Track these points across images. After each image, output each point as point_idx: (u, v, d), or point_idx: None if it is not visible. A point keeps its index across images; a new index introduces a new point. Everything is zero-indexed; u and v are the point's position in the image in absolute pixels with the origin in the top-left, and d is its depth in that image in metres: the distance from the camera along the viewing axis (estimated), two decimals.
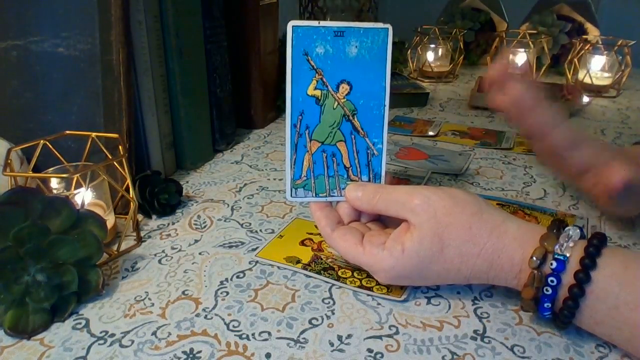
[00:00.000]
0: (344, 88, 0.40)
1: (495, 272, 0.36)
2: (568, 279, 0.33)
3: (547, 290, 0.34)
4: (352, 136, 0.41)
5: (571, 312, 0.33)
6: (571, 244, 0.34)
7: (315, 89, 0.40)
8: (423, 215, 0.37)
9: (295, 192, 0.42)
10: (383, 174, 0.43)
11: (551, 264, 0.33)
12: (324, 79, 0.40)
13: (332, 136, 0.41)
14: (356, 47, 0.39)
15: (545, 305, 0.34)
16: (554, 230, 0.35)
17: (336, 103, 0.40)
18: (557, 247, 0.34)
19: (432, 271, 0.37)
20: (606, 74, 0.98)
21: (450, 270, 0.37)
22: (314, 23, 0.39)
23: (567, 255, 0.33)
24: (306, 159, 0.41)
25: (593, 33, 1.09)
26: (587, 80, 0.97)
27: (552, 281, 0.33)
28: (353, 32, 0.39)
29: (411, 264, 0.37)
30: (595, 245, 0.33)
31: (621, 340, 0.33)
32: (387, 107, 0.41)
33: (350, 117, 0.41)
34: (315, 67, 0.39)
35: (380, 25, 0.39)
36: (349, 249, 0.39)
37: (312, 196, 0.42)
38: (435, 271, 0.37)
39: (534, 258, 0.34)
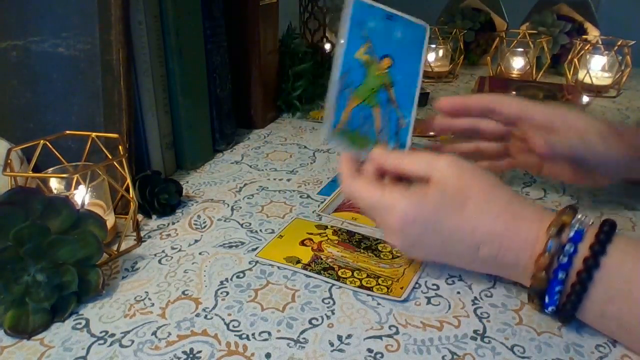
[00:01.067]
0: (387, 61, 0.44)
1: (510, 238, 0.36)
2: (583, 251, 0.33)
3: (562, 259, 0.34)
4: (387, 105, 0.44)
5: (584, 287, 0.33)
6: (589, 221, 0.35)
7: (365, 54, 0.43)
8: (448, 172, 0.37)
9: (333, 137, 0.43)
10: (409, 144, 0.45)
11: (569, 234, 0.34)
12: (373, 48, 0.43)
13: (371, 98, 0.44)
14: (400, 32, 0.44)
15: (559, 276, 0.34)
16: (570, 210, 0.36)
17: (379, 71, 0.44)
18: (574, 220, 0.35)
19: (447, 227, 0.37)
20: (606, 74, 0.98)
21: (466, 228, 0.36)
22: (371, 2, 0.43)
23: (584, 228, 0.34)
24: (345, 111, 0.43)
25: (593, 33, 1.09)
26: (587, 80, 0.97)
27: (570, 248, 0.34)
28: (399, 20, 0.44)
29: (429, 211, 0.37)
30: (611, 224, 0.34)
31: (630, 318, 0.33)
32: (418, 89, 0.45)
33: (388, 88, 0.44)
34: (367, 35, 0.43)
35: (420, 22, 0.45)
36: (367, 190, 0.39)
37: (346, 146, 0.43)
38: (451, 227, 0.37)
39: (553, 227, 0.34)
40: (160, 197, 0.51)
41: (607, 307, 0.33)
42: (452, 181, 0.37)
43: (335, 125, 0.43)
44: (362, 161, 0.43)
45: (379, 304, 0.39)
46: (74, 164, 0.47)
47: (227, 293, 0.40)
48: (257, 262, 0.44)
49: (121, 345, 0.35)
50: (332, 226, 0.50)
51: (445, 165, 0.38)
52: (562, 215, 0.35)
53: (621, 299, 0.33)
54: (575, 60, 0.99)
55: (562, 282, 0.34)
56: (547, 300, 0.35)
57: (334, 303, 0.39)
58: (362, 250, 0.46)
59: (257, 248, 0.46)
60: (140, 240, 0.47)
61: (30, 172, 0.45)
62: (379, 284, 0.41)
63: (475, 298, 0.40)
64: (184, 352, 0.34)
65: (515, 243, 0.36)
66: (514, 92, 0.90)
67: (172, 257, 0.45)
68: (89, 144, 0.48)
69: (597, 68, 0.98)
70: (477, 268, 0.40)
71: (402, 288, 0.41)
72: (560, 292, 0.35)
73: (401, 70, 0.44)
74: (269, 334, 0.36)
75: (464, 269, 0.41)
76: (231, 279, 0.42)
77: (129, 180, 0.45)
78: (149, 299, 0.40)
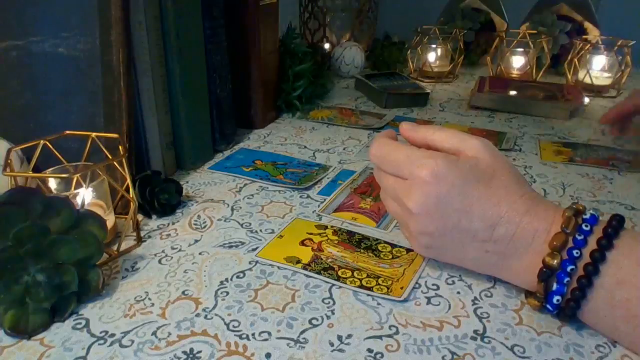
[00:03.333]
0: (259, 162, 0.65)
1: (530, 217, 0.36)
2: (598, 233, 0.35)
3: (578, 236, 0.35)
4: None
5: (596, 268, 0.33)
6: (601, 212, 0.37)
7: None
8: (481, 149, 0.39)
9: None
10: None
11: (585, 217, 0.36)
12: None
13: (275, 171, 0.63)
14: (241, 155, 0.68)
15: (575, 252, 0.34)
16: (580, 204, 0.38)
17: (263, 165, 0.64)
18: (588, 209, 0.36)
19: (473, 194, 0.37)
20: (606, 74, 0.98)
21: (491, 199, 0.37)
22: None
23: (598, 214, 0.36)
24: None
25: (593, 33, 1.09)
26: (587, 80, 0.97)
27: (586, 226, 0.35)
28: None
29: (460, 174, 0.37)
30: (621, 217, 0.35)
31: (638, 303, 0.33)
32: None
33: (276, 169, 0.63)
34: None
35: None
36: (400, 146, 0.40)
37: None
38: (477, 195, 0.37)
39: (569, 210, 0.36)
40: (160, 197, 0.51)
41: (616, 292, 0.33)
42: (483, 157, 0.38)
43: None
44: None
45: (379, 304, 0.39)
46: (74, 164, 0.47)
47: (227, 293, 0.40)
48: (257, 262, 0.44)
49: (121, 345, 0.35)
50: (332, 226, 0.50)
51: (479, 143, 0.39)
52: (576, 204, 0.37)
53: (631, 282, 0.33)
54: (575, 60, 0.99)
55: (575, 262, 0.34)
56: (555, 287, 0.35)
57: (334, 303, 0.39)
58: (362, 250, 0.46)
59: (257, 248, 0.46)
60: (140, 240, 0.47)
61: (30, 172, 0.45)
62: (379, 284, 0.41)
63: (475, 298, 0.40)
64: (184, 352, 0.34)
65: (534, 224, 0.36)
66: (513, 92, 0.90)
67: (172, 257, 0.45)
68: (89, 144, 0.48)
69: (597, 68, 0.98)
70: (483, 255, 0.38)
71: (402, 288, 0.41)
72: (571, 276, 0.34)
73: (266, 158, 0.66)
74: (269, 334, 0.36)
75: (467, 256, 0.39)
76: (231, 279, 0.42)
77: (129, 180, 0.45)
78: (149, 299, 0.40)
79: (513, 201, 0.37)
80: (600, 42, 0.99)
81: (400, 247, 0.47)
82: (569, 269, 0.34)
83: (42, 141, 0.46)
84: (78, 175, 0.42)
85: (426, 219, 0.39)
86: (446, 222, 0.38)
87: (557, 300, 0.35)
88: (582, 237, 0.35)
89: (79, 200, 0.43)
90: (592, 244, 0.34)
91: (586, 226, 0.35)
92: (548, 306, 0.36)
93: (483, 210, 0.37)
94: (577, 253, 0.34)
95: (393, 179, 0.41)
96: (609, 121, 0.71)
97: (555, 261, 0.35)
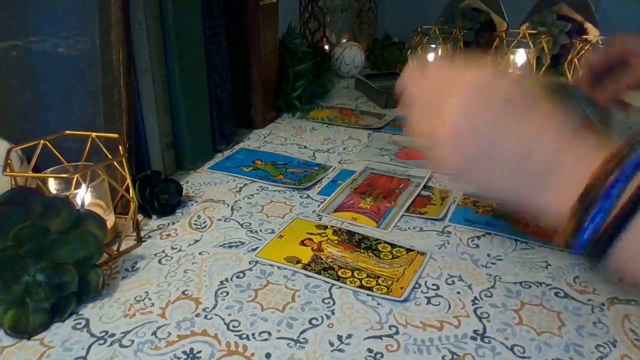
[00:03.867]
0: (259, 162, 0.65)
1: (571, 149, 0.34)
2: None
3: (620, 174, 0.31)
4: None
5: (635, 206, 0.30)
6: None
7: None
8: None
9: None
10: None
11: (629, 159, 0.31)
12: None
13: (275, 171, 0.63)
14: (241, 155, 0.69)
15: (614, 190, 0.31)
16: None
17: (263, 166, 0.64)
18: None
19: (515, 112, 0.35)
20: None
21: (529, 127, 0.34)
22: None
23: None
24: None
25: (593, 33, 1.09)
26: None
27: (631, 165, 0.31)
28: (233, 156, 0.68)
29: (499, 86, 0.35)
30: None
31: None
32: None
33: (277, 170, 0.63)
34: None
35: None
36: (437, 62, 0.39)
37: None
38: (513, 121, 0.34)
39: (616, 148, 0.32)
40: (160, 197, 0.51)
41: None
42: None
43: None
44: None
45: (379, 304, 0.39)
46: (74, 164, 0.47)
47: (227, 293, 0.40)
48: (257, 262, 0.44)
49: (121, 345, 0.35)
50: (332, 226, 0.50)
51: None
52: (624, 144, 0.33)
53: None
54: (575, 60, 0.99)
55: (614, 199, 0.31)
56: (588, 221, 0.32)
57: (334, 303, 0.39)
58: (362, 250, 0.46)
59: (257, 248, 0.46)
60: (140, 240, 0.47)
61: (30, 172, 0.45)
62: (379, 284, 0.41)
63: (475, 298, 0.40)
64: (184, 352, 0.34)
65: (574, 156, 0.34)
66: None
67: (172, 257, 0.45)
68: (89, 144, 0.48)
69: None
70: (514, 183, 0.36)
71: (402, 288, 0.41)
72: (608, 211, 0.32)
73: (266, 158, 0.66)
74: (269, 334, 0.36)
75: (497, 183, 0.37)
76: (231, 279, 0.42)
77: (129, 180, 0.45)
78: (149, 299, 0.40)
79: (554, 130, 0.34)
80: (600, 42, 0.99)
81: (400, 247, 0.47)
82: (607, 204, 0.31)
83: (42, 141, 0.46)
84: (78, 175, 0.42)
85: (458, 141, 0.36)
86: (479, 144, 0.35)
87: (591, 233, 0.32)
88: (623, 175, 0.31)
89: (79, 200, 0.43)
90: (634, 183, 0.31)
91: (631, 166, 0.31)
92: (578, 240, 0.33)
93: (519, 136, 0.35)
94: (617, 190, 0.31)
95: (427, 97, 0.38)
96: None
97: (593, 194, 0.32)
